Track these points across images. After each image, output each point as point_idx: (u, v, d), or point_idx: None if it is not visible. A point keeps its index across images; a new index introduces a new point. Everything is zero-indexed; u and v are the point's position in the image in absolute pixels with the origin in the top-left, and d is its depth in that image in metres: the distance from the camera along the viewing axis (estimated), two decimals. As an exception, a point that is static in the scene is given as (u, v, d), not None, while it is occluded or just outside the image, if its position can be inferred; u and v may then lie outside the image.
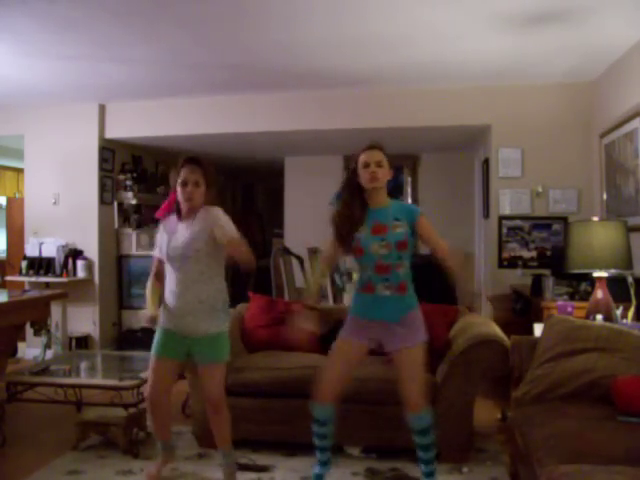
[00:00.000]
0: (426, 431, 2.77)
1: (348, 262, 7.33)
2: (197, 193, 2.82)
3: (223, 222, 2.76)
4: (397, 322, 2.71)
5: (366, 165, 2.72)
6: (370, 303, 2.75)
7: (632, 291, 3.28)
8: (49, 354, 5.69)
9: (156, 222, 6.50)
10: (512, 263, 5.30)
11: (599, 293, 3.22)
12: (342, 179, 2.91)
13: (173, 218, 2.94)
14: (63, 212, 6.12)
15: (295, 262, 6.27)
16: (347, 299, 6.12)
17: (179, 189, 2.83)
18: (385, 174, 2.76)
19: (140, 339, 5.92)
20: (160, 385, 2.92)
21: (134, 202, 6.43)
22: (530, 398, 2.67)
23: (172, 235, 2.87)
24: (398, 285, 2.71)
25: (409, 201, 7.42)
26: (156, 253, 2.99)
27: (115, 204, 6.36)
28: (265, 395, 3.45)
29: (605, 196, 4.72)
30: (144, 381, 3.57)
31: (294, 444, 3.42)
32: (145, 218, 6.59)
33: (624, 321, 3.21)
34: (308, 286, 3.02)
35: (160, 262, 2.97)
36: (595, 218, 3.70)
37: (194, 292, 2.82)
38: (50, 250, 5.99)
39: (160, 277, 2.97)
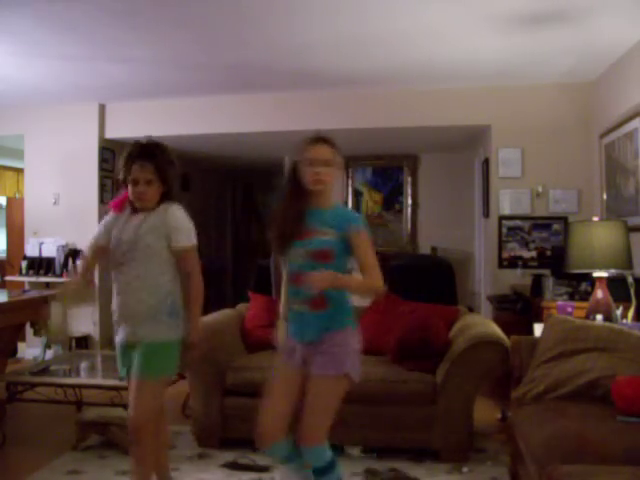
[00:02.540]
0: (321, 472, 2.30)
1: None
2: (149, 193, 2.48)
3: (180, 225, 2.51)
4: (312, 344, 2.30)
5: (311, 163, 2.31)
6: (290, 320, 2.41)
7: (632, 291, 3.28)
8: (49, 354, 5.69)
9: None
10: (512, 263, 5.30)
11: (599, 293, 3.21)
12: (285, 174, 2.52)
13: (127, 210, 2.60)
14: (63, 212, 6.12)
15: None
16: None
17: (129, 187, 2.49)
18: (332, 175, 2.34)
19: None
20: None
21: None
22: (530, 398, 2.67)
23: (120, 226, 2.54)
24: (312, 300, 2.27)
25: (409, 201, 7.42)
26: (97, 239, 2.62)
27: (115, 204, 6.35)
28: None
29: (605, 196, 4.72)
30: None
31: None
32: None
33: (624, 321, 3.21)
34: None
35: (97, 251, 2.63)
36: (595, 218, 3.71)
37: (135, 292, 2.48)
38: (50, 250, 5.99)
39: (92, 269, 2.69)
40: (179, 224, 2.51)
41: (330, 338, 2.28)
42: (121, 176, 2.53)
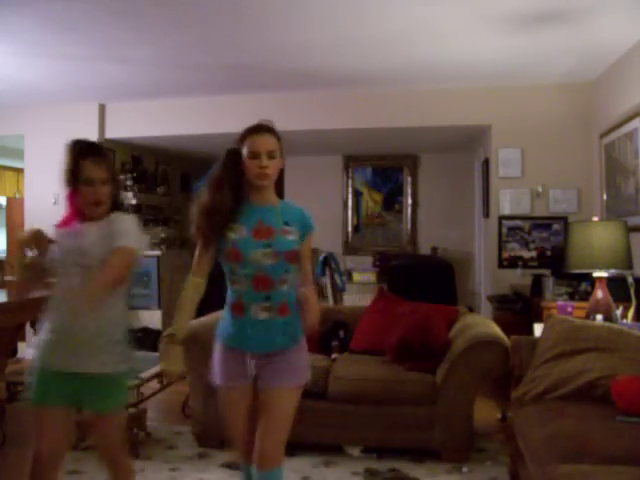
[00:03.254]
0: None
1: (348, 262, 7.35)
2: (105, 195, 2.18)
3: (127, 230, 2.14)
4: (277, 353, 2.11)
5: (255, 155, 2.12)
6: (241, 328, 2.12)
7: (632, 291, 3.28)
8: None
9: (156, 222, 6.43)
10: (512, 263, 5.30)
11: (599, 293, 3.22)
12: (220, 161, 2.22)
13: (71, 222, 2.30)
14: (63, 212, 6.11)
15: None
16: (348, 299, 6.13)
17: (82, 189, 2.19)
18: (277, 167, 2.16)
19: (140, 339, 5.91)
20: (51, 445, 2.12)
21: (134, 202, 6.43)
22: (530, 398, 2.67)
23: (67, 238, 2.22)
24: (280, 305, 2.10)
25: (409, 201, 7.42)
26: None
27: (115, 204, 6.35)
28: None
29: (605, 196, 4.72)
30: (144, 381, 3.57)
31: (294, 444, 3.40)
32: (145, 218, 6.58)
33: (624, 321, 3.21)
34: (179, 319, 2.22)
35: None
36: (595, 218, 3.71)
37: (88, 316, 2.08)
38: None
39: None
40: (127, 230, 2.14)
41: (297, 345, 2.15)
42: (66, 177, 2.22)
